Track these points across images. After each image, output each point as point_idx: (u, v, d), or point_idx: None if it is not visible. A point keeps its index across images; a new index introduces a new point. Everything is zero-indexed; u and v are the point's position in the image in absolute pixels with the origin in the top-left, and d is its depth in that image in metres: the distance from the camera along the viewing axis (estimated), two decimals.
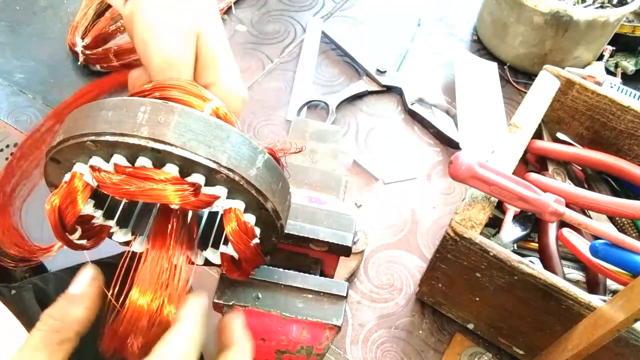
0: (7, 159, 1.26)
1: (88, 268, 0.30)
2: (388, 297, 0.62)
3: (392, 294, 0.63)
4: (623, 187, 0.66)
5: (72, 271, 0.53)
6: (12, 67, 0.77)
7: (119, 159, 0.29)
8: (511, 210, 0.57)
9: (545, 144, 0.65)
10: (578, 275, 0.60)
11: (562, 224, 0.58)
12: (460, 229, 0.48)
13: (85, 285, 0.30)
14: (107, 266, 0.32)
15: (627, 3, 0.81)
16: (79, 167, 0.30)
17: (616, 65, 0.89)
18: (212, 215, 0.38)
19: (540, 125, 0.65)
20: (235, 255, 0.34)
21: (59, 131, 0.30)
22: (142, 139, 0.28)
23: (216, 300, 0.37)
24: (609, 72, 0.88)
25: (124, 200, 0.35)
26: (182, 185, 0.29)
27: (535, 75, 0.64)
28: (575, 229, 0.55)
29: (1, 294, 0.51)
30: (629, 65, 0.88)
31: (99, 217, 0.33)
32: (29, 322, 0.41)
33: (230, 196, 0.31)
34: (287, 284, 0.39)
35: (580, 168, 0.68)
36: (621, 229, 0.63)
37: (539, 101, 0.61)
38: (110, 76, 0.74)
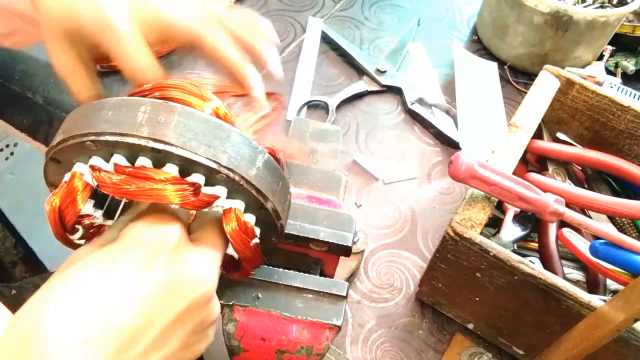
0: (7, 158, 1.26)
1: None
2: (388, 297, 0.62)
3: (392, 294, 0.63)
4: (623, 187, 0.66)
5: None
6: (12, 67, 0.77)
7: (119, 158, 0.29)
8: (511, 210, 0.57)
9: (545, 144, 0.65)
10: (578, 275, 0.60)
11: (562, 224, 0.58)
12: (460, 228, 0.48)
13: None
14: None
15: (627, 3, 0.81)
16: (79, 167, 0.30)
17: (616, 65, 0.89)
18: None
19: (540, 125, 0.65)
20: (235, 255, 0.34)
21: (59, 131, 0.30)
22: (142, 139, 0.28)
23: None
24: (609, 72, 0.88)
25: (124, 200, 0.35)
26: (182, 185, 0.29)
27: (535, 75, 0.64)
28: (575, 229, 0.55)
29: (1, 293, 0.51)
30: (629, 65, 0.88)
31: (99, 217, 0.33)
32: None
33: (230, 196, 0.31)
34: (287, 284, 0.39)
35: (580, 168, 0.68)
36: (621, 229, 0.63)
37: (539, 101, 0.60)
38: None
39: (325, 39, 0.89)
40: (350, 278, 0.62)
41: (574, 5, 0.82)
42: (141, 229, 0.29)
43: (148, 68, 0.34)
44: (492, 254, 0.48)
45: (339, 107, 0.79)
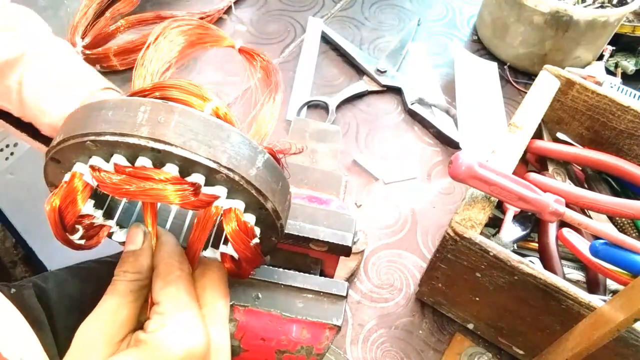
0: (7, 158, 1.26)
1: (137, 226, 0.33)
2: (388, 297, 0.62)
3: (392, 294, 0.63)
4: (623, 187, 0.66)
5: (71, 270, 0.53)
6: None
7: (119, 158, 0.29)
8: (511, 210, 0.57)
9: (545, 144, 0.65)
10: (578, 275, 0.60)
11: (562, 224, 0.58)
12: (460, 228, 0.48)
13: (142, 240, 0.33)
14: (107, 265, 0.32)
15: (627, 3, 0.81)
16: (79, 167, 0.30)
17: (616, 65, 0.89)
18: None
19: (540, 125, 0.65)
20: (235, 255, 0.34)
21: (59, 131, 0.30)
22: (142, 139, 0.28)
23: None
24: (609, 72, 0.88)
25: (124, 200, 0.35)
26: (182, 185, 0.29)
27: (535, 75, 0.64)
28: (575, 229, 0.55)
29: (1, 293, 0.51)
30: (629, 65, 0.88)
31: (99, 217, 0.33)
32: (32, 321, 0.41)
33: (230, 196, 0.31)
34: (287, 284, 0.39)
35: (580, 168, 0.68)
36: (621, 229, 0.63)
37: (539, 101, 0.60)
38: None
39: (325, 39, 0.89)
40: (350, 278, 0.62)
41: (574, 5, 0.82)
42: None
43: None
44: (492, 254, 0.48)
45: (339, 107, 0.79)
